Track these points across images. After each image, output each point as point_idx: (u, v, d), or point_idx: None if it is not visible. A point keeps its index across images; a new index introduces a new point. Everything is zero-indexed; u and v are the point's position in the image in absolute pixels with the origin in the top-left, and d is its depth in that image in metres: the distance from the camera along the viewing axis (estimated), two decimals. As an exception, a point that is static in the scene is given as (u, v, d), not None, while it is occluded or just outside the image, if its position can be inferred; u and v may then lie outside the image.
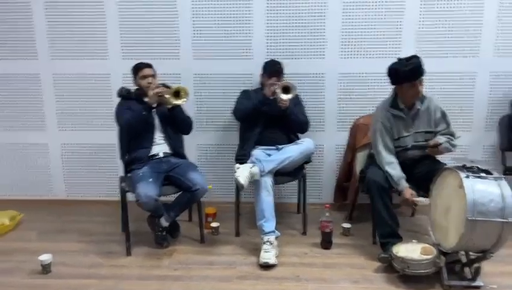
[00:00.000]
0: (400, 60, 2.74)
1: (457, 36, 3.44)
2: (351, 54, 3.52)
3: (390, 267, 2.62)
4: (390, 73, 2.76)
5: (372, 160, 2.97)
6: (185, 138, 3.29)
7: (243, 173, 2.86)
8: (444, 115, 2.87)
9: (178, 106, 3.02)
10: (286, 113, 3.12)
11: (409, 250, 2.56)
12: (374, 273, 2.67)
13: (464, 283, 2.48)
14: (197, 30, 3.55)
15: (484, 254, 2.39)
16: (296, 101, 3.26)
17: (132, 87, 3.17)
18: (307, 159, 3.23)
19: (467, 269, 2.55)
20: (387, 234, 2.78)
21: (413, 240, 2.66)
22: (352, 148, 3.40)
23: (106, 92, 3.67)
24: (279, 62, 3.29)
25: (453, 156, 3.24)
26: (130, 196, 2.89)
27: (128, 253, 2.93)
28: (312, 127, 3.38)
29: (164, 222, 2.99)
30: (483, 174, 2.37)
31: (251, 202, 3.10)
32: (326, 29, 3.48)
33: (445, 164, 2.79)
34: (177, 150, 3.14)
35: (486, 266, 2.53)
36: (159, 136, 3.10)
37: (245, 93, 3.33)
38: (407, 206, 2.84)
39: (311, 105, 3.59)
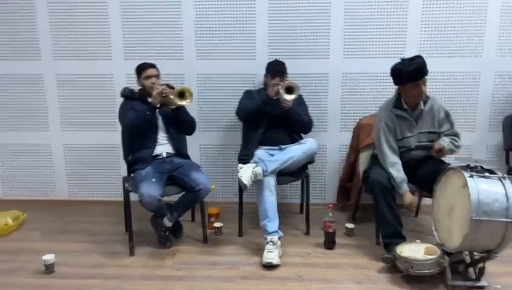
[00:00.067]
0: (403, 60, 2.73)
1: (460, 36, 3.43)
2: (355, 54, 3.51)
3: (394, 267, 2.61)
4: (393, 73, 2.76)
5: (376, 160, 2.97)
6: (188, 138, 3.29)
7: (246, 173, 2.86)
8: (447, 115, 2.86)
9: (182, 107, 3.02)
10: (289, 114, 3.11)
11: (412, 250, 2.55)
12: (377, 273, 2.67)
13: (468, 283, 2.47)
14: (200, 30, 3.55)
15: (488, 254, 2.38)
16: (300, 101, 3.26)
17: (135, 87, 3.17)
18: (310, 159, 3.22)
19: (471, 269, 2.55)
20: (391, 234, 2.77)
21: (417, 240, 2.65)
22: (355, 149, 3.39)
23: (109, 92, 3.68)
24: (282, 62, 3.29)
25: (456, 156, 3.23)
26: (133, 196, 2.89)
27: (132, 253, 2.93)
28: (315, 127, 3.38)
29: (167, 222, 2.99)
30: (487, 174, 2.36)
31: (254, 202, 3.10)
32: (330, 29, 3.48)
33: (449, 164, 2.79)
34: (180, 150, 3.14)
35: (490, 266, 2.52)
36: (162, 137, 3.10)
37: (248, 94, 3.33)
38: (407, 210, 2.83)
39: (314, 105, 3.59)
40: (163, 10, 3.53)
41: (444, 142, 2.78)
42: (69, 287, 2.57)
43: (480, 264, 2.47)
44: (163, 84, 3.03)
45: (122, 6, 3.54)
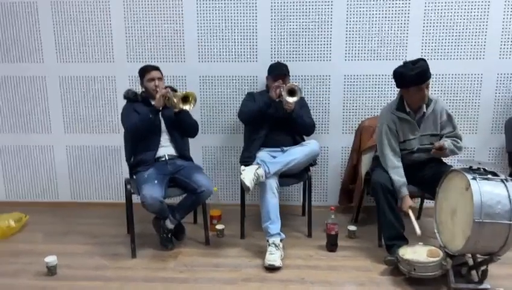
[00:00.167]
0: (405, 63, 2.72)
1: (463, 38, 3.43)
2: (356, 56, 3.51)
3: (397, 269, 2.61)
4: (396, 76, 2.75)
5: (378, 162, 2.96)
6: (190, 140, 3.29)
7: (248, 174, 2.86)
8: (450, 117, 2.86)
9: (185, 110, 3.02)
10: (292, 116, 3.11)
11: (415, 252, 2.55)
12: (379, 276, 2.66)
13: (471, 286, 2.46)
14: (203, 32, 3.56)
15: (491, 256, 2.37)
16: (302, 103, 3.26)
17: (138, 89, 3.17)
18: (312, 162, 3.22)
19: (473, 272, 2.54)
20: (393, 237, 2.77)
21: (420, 243, 2.65)
22: (357, 151, 3.39)
23: (112, 94, 3.69)
24: (284, 64, 3.30)
25: (459, 158, 3.23)
26: (136, 198, 2.89)
27: (134, 255, 2.93)
28: (317, 129, 3.38)
29: (169, 224, 2.99)
30: (490, 176, 2.35)
31: (256, 204, 3.10)
32: (332, 31, 3.48)
33: (452, 166, 2.78)
34: (182, 152, 3.15)
35: (493, 269, 2.51)
36: (164, 139, 3.10)
37: (250, 96, 3.33)
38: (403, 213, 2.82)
39: (317, 107, 3.59)
40: (165, 13, 3.54)
41: (445, 141, 2.77)
42: (71, 289, 2.57)
43: (483, 267, 2.46)
44: (166, 87, 3.03)
45: (125, 9, 3.55)
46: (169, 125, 3.09)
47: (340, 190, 3.63)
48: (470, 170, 2.42)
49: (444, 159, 2.99)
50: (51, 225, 3.51)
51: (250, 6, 3.48)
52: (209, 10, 3.52)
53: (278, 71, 3.22)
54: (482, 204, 2.24)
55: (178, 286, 2.59)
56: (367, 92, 3.56)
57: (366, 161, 3.31)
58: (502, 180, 2.34)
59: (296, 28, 3.50)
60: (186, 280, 2.65)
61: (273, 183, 2.94)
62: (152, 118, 2.94)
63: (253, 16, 3.50)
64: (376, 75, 3.52)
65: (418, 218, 3.48)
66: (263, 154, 3.14)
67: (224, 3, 3.49)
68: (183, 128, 3.12)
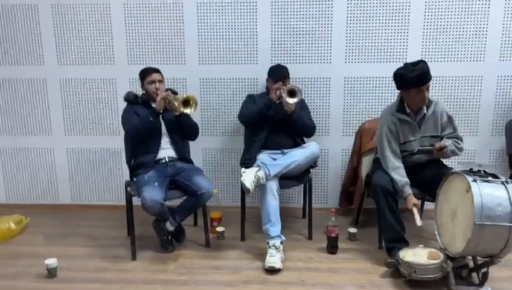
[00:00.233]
0: (406, 65, 2.72)
1: (463, 40, 3.43)
2: (357, 59, 3.51)
3: (397, 272, 2.60)
4: (396, 78, 2.75)
5: (378, 164, 2.96)
6: (191, 142, 3.29)
7: (248, 177, 2.85)
8: (450, 119, 2.86)
9: (185, 113, 3.02)
10: (292, 118, 3.11)
11: (415, 255, 2.54)
12: (380, 278, 2.66)
13: (472, 288, 2.46)
14: (203, 35, 3.56)
15: (492, 258, 2.37)
16: (302, 105, 3.27)
17: (139, 91, 3.18)
18: (313, 164, 3.22)
19: (474, 274, 2.53)
20: (394, 239, 2.76)
21: (420, 245, 2.64)
22: (357, 153, 3.39)
23: (112, 96, 3.69)
24: (284, 66, 3.30)
25: (460, 160, 3.23)
26: (136, 200, 2.89)
27: (134, 257, 2.93)
28: (317, 131, 3.38)
29: (169, 226, 2.99)
30: (490, 178, 2.35)
31: (256, 206, 3.10)
32: (332, 33, 3.49)
33: (452, 168, 2.78)
34: (182, 155, 3.15)
35: (494, 271, 2.51)
36: (165, 141, 3.10)
37: (250, 98, 3.34)
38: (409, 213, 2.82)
39: (317, 109, 3.60)
40: (166, 15, 3.55)
41: (446, 142, 2.77)
42: (71, 292, 2.58)
43: (484, 269, 2.46)
44: (167, 90, 3.03)
45: (125, 11, 3.56)
46: (169, 128, 3.09)
47: (340, 192, 3.62)
48: (471, 172, 2.42)
49: (445, 161, 2.99)
50: (51, 227, 3.51)
51: (250, 9, 3.49)
52: (210, 12, 3.52)
53: (278, 73, 3.23)
54: (483, 206, 2.24)
55: (178, 288, 2.58)
56: (367, 94, 3.56)
57: (366, 163, 3.30)
58: (502, 183, 2.34)
59: (296, 30, 3.51)
60: (187, 282, 2.65)
61: (273, 186, 2.94)
62: (152, 121, 2.94)
63: (253, 18, 3.50)
64: (376, 77, 3.52)
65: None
66: (263, 156, 3.14)
67: (225, 6, 3.50)
68: (184, 131, 3.12)
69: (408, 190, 2.75)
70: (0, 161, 3.90)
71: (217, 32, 3.55)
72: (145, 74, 3.08)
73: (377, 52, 3.49)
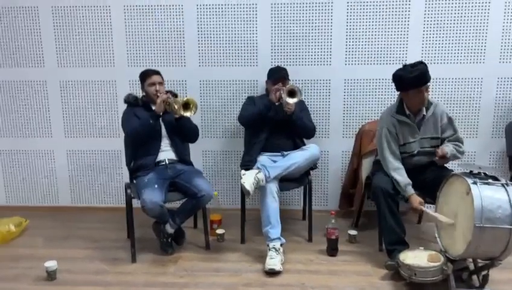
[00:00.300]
0: (405, 66, 2.72)
1: (463, 42, 3.43)
2: (357, 61, 3.52)
3: (397, 274, 2.59)
4: (395, 79, 2.75)
5: (378, 166, 2.96)
6: (191, 144, 3.29)
7: (248, 179, 2.85)
8: (450, 120, 2.85)
9: (185, 117, 3.01)
10: (292, 119, 3.11)
11: (415, 257, 2.53)
12: (380, 280, 2.65)
13: (472, 291, 2.46)
14: (203, 37, 3.56)
15: (492, 261, 2.36)
16: (302, 106, 3.27)
17: (139, 93, 3.18)
18: (313, 166, 3.22)
19: (474, 277, 2.53)
20: (394, 241, 2.76)
21: (420, 247, 2.64)
22: (358, 155, 3.39)
23: (112, 99, 3.69)
24: (284, 68, 3.30)
25: (460, 162, 3.22)
26: (136, 203, 2.88)
27: (134, 260, 2.93)
28: (317, 133, 3.38)
29: (169, 229, 2.98)
30: (490, 181, 2.35)
31: (256, 208, 3.10)
32: (332, 35, 3.49)
33: (452, 170, 2.78)
34: (182, 157, 3.14)
35: (494, 274, 2.50)
36: (165, 143, 3.10)
37: (250, 100, 3.34)
38: (414, 213, 2.81)
39: (317, 111, 3.60)
40: (166, 17, 3.55)
41: (448, 147, 2.77)
42: (71, 294, 2.58)
43: (484, 272, 2.45)
44: (167, 92, 3.03)
45: (125, 13, 3.56)
46: (169, 130, 3.09)
47: (340, 194, 3.62)
48: (471, 174, 2.42)
49: (445, 164, 2.98)
50: (51, 229, 3.51)
51: (250, 11, 3.49)
52: (209, 14, 3.52)
53: (278, 75, 3.23)
54: (483, 209, 2.24)
55: (178, 291, 2.59)
56: (367, 96, 3.56)
57: (366, 165, 3.30)
58: (502, 185, 2.33)
59: (296, 32, 3.51)
60: (187, 285, 2.64)
61: (273, 188, 2.93)
62: (152, 123, 2.94)
63: (253, 20, 3.51)
64: (376, 80, 3.52)
65: (419, 222, 3.47)
66: (263, 158, 3.14)
67: (224, 8, 3.50)
68: (184, 133, 3.12)
69: (410, 190, 2.74)
70: (0, 163, 3.90)
71: (217, 34, 3.55)
72: (145, 75, 3.08)
73: (377, 54, 3.49)
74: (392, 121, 2.85)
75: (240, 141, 3.53)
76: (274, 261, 2.74)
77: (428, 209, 2.69)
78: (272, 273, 2.71)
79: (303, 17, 3.48)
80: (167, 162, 3.06)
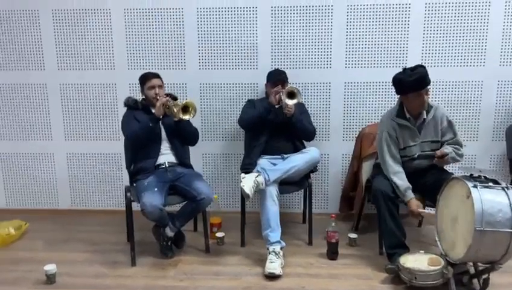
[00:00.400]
0: (404, 69, 2.72)
1: (463, 45, 3.43)
2: (357, 64, 3.52)
3: (398, 278, 2.59)
4: (395, 83, 2.75)
5: (379, 169, 2.95)
6: (191, 147, 3.29)
7: (248, 182, 2.85)
8: (450, 124, 2.85)
9: (184, 120, 3.01)
10: (292, 121, 3.11)
11: (416, 261, 2.53)
12: (380, 284, 2.65)
13: (473, 295, 2.45)
14: (203, 40, 3.57)
15: (493, 265, 2.36)
16: (302, 109, 3.27)
17: (139, 97, 3.18)
18: (313, 169, 3.21)
19: (475, 281, 2.53)
20: (394, 245, 2.75)
21: (421, 251, 2.63)
22: (358, 158, 3.38)
23: (112, 101, 3.69)
24: (283, 71, 3.31)
25: (460, 166, 3.22)
26: (136, 206, 2.88)
27: (133, 263, 2.92)
28: (318, 136, 3.38)
29: (169, 232, 2.98)
30: (491, 184, 2.34)
31: (256, 211, 3.09)
32: (332, 38, 3.49)
33: (453, 174, 2.78)
34: (182, 160, 3.14)
35: (495, 277, 2.50)
36: (165, 147, 3.09)
37: (250, 103, 3.34)
38: (413, 217, 2.80)
39: (317, 114, 3.60)
40: (166, 20, 3.55)
41: (447, 149, 2.77)
42: (71, 298, 2.57)
43: (485, 276, 2.45)
44: (166, 95, 3.03)
45: (125, 16, 3.57)
46: (169, 133, 3.09)
47: (340, 197, 3.61)
48: (471, 177, 2.41)
49: (445, 167, 2.98)
50: (51, 232, 3.50)
51: (250, 14, 3.50)
52: (210, 18, 3.53)
53: (277, 78, 3.23)
54: (483, 212, 2.23)
55: (178, 295, 2.58)
56: (367, 99, 3.56)
57: (366, 168, 3.29)
58: (503, 188, 2.33)
59: (296, 35, 3.51)
60: (186, 288, 2.64)
61: (273, 191, 2.93)
62: (152, 127, 2.94)
63: (253, 23, 3.51)
64: (376, 82, 3.52)
65: (419, 225, 3.46)
66: (263, 161, 3.14)
67: (225, 11, 3.51)
68: (184, 136, 3.12)
69: (410, 194, 2.75)
70: (0, 166, 3.90)
71: (217, 37, 3.56)
72: (144, 79, 3.08)
73: (377, 57, 3.50)
74: (392, 124, 2.85)
75: (240, 144, 3.53)
76: (274, 265, 2.73)
77: (426, 211, 2.69)
78: (272, 277, 2.70)
79: (303, 20, 3.48)
80: (167, 165, 3.05)
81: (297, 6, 3.46)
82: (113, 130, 3.73)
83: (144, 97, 3.12)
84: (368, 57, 3.50)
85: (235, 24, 3.52)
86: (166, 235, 2.98)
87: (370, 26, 3.46)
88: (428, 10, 3.40)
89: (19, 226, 3.40)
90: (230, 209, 3.72)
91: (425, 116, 2.82)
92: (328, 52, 3.52)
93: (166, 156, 3.08)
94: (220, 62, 3.59)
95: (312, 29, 3.49)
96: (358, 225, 3.44)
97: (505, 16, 3.36)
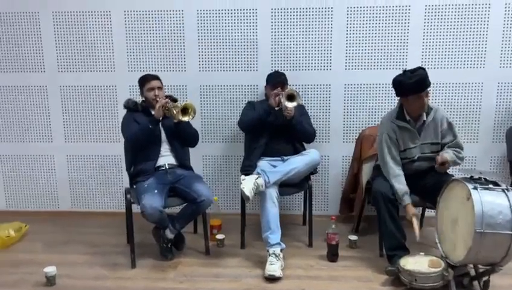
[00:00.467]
0: (404, 71, 2.72)
1: (463, 47, 3.43)
2: (357, 65, 3.52)
3: (398, 280, 2.58)
4: (395, 85, 2.75)
5: (379, 171, 2.95)
6: (191, 149, 3.29)
7: (248, 184, 2.85)
8: (450, 126, 2.85)
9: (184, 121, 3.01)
10: (292, 123, 3.11)
11: (416, 263, 2.53)
12: (381, 286, 2.64)
13: (473, 297, 2.45)
14: (203, 42, 3.57)
15: (493, 267, 2.36)
16: (302, 111, 3.27)
17: (139, 99, 3.18)
18: (313, 170, 3.21)
19: (475, 283, 2.52)
20: (394, 247, 2.75)
21: (421, 253, 2.63)
22: (358, 160, 3.38)
23: (112, 103, 3.69)
24: (282, 73, 3.30)
25: (460, 167, 3.22)
26: (136, 208, 2.88)
27: (133, 265, 2.92)
28: (318, 138, 3.38)
29: (169, 234, 2.98)
30: (491, 186, 2.34)
31: (256, 213, 3.09)
32: (332, 40, 3.49)
33: (453, 176, 2.77)
34: (182, 162, 3.14)
35: (495, 279, 2.49)
36: (165, 148, 3.09)
37: (250, 105, 3.34)
38: (407, 222, 2.80)
39: (317, 116, 3.60)
40: (166, 22, 3.56)
41: (448, 154, 2.76)
42: (70, 300, 2.57)
43: (485, 278, 2.45)
44: (166, 97, 3.03)
45: (126, 18, 3.57)
46: (169, 135, 3.09)
47: (340, 199, 3.61)
48: (471, 179, 2.41)
49: (445, 170, 2.97)
50: (51, 234, 3.50)
51: (250, 15, 3.50)
52: (210, 20, 3.53)
53: (277, 80, 3.23)
54: (483, 214, 2.23)
55: (178, 297, 2.58)
56: (367, 101, 3.56)
57: (367, 170, 3.29)
58: (503, 190, 2.33)
59: (296, 37, 3.51)
60: (186, 290, 2.64)
61: (273, 193, 2.93)
62: (152, 128, 2.94)
63: (253, 25, 3.51)
64: (376, 84, 3.52)
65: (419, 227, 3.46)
66: (263, 163, 3.14)
67: (225, 13, 3.51)
68: (183, 137, 3.12)
69: (407, 199, 2.74)
70: (0, 168, 3.90)
71: (217, 39, 3.56)
72: (144, 80, 3.08)
73: (377, 59, 3.50)
74: (392, 126, 2.84)
75: (240, 145, 3.53)
76: (274, 267, 2.73)
77: (416, 224, 2.69)
78: (272, 279, 2.70)
79: (303, 22, 3.48)
80: (167, 167, 3.05)
81: (297, 8, 3.46)
82: (113, 132, 3.73)
83: (143, 99, 3.13)
84: (368, 59, 3.50)
85: (235, 26, 3.53)
86: (166, 237, 2.98)
87: (370, 28, 3.46)
88: (428, 12, 3.40)
89: (19, 228, 3.40)
90: (230, 211, 3.72)
91: (425, 118, 2.81)
92: (328, 54, 3.52)
93: (166, 158, 3.08)
94: (220, 64, 3.59)
95: (312, 31, 3.50)
96: (359, 227, 3.43)
97: (504, 17, 3.36)
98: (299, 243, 3.26)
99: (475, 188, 2.31)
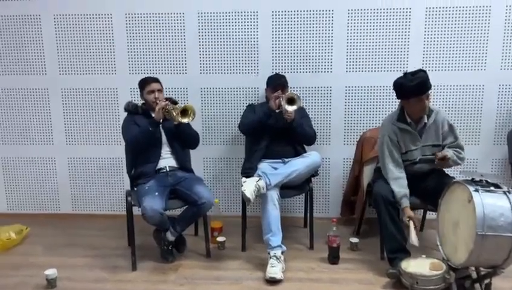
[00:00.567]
0: (405, 74, 2.72)
1: (464, 49, 3.43)
2: (358, 68, 3.52)
3: (399, 283, 2.58)
4: (396, 88, 2.75)
5: (380, 174, 2.95)
6: (191, 151, 3.29)
7: (249, 186, 2.85)
8: (451, 128, 2.84)
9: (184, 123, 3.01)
10: (292, 126, 3.11)
11: (417, 265, 2.52)
12: (382, 289, 2.63)
13: (475, 299, 2.44)
14: (204, 45, 3.57)
15: (495, 269, 2.34)
16: (302, 113, 3.27)
17: (139, 101, 3.18)
18: (314, 173, 3.21)
19: (477, 285, 2.50)
20: (396, 249, 2.74)
21: (422, 255, 2.62)
22: (359, 162, 3.38)
23: (113, 106, 3.70)
24: (283, 75, 3.31)
25: (461, 170, 3.21)
26: (136, 210, 2.88)
27: (134, 268, 2.91)
28: (318, 140, 3.38)
29: (170, 236, 2.97)
30: (492, 188, 2.34)
31: (257, 215, 3.08)
32: (333, 43, 3.49)
33: (454, 178, 2.77)
34: (183, 164, 3.14)
35: (497, 282, 2.48)
36: (165, 151, 3.10)
37: (250, 107, 3.34)
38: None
39: (318, 118, 3.60)
40: (167, 25, 3.56)
41: (448, 152, 2.76)
42: (71, 303, 2.57)
43: (487, 280, 2.43)
44: (166, 100, 3.03)
45: (127, 21, 3.58)
46: (170, 137, 3.09)
47: (342, 202, 3.60)
48: (472, 181, 2.41)
49: (446, 171, 2.97)
50: (52, 237, 3.50)
51: (251, 18, 3.50)
52: (211, 22, 3.54)
53: (277, 82, 3.23)
54: (485, 216, 2.22)
55: (178, 299, 2.57)
56: (368, 103, 3.56)
57: (368, 173, 3.29)
58: (504, 192, 2.32)
59: (297, 40, 3.51)
60: (187, 293, 2.64)
61: (274, 195, 2.92)
62: (152, 131, 2.94)
63: (254, 28, 3.52)
64: (377, 87, 3.52)
65: (420, 230, 3.44)
66: (264, 166, 3.14)
67: (226, 15, 3.51)
68: (184, 139, 3.12)
69: (405, 202, 2.73)
70: (1, 170, 3.90)
71: (218, 41, 3.56)
72: (144, 83, 3.09)
73: (378, 62, 3.50)
74: (393, 128, 2.84)
75: (241, 148, 3.53)
76: (275, 269, 2.72)
77: (413, 227, 2.67)
78: (273, 281, 2.69)
79: (304, 24, 3.49)
80: (168, 170, 3.05)
81: (298, 11, 3.47)
82: (114, 134, 3.73)
83: (144, 102, 3.13)
84: (369, 62, 3.50)
85: (236, 28, 3.53)
86: (167, 240, 2.98)
87: (371, 30, 3.46)
88: (429, 14, 3.40)
89: (19, 230, 3.40)
90: (231, 214, 3.71)
91: (426, 121, 2.81)
92: (329, 56, 3.52)
93: (166, 160, 3.09)
94: (221, 67, 3.60)
95: (313, 34, 3.50)
96: (360, 230, 3.43)
97: (505, 20, 3.36)
98: (300, 246, 3.26)
99: (476, 190, 2.30)
